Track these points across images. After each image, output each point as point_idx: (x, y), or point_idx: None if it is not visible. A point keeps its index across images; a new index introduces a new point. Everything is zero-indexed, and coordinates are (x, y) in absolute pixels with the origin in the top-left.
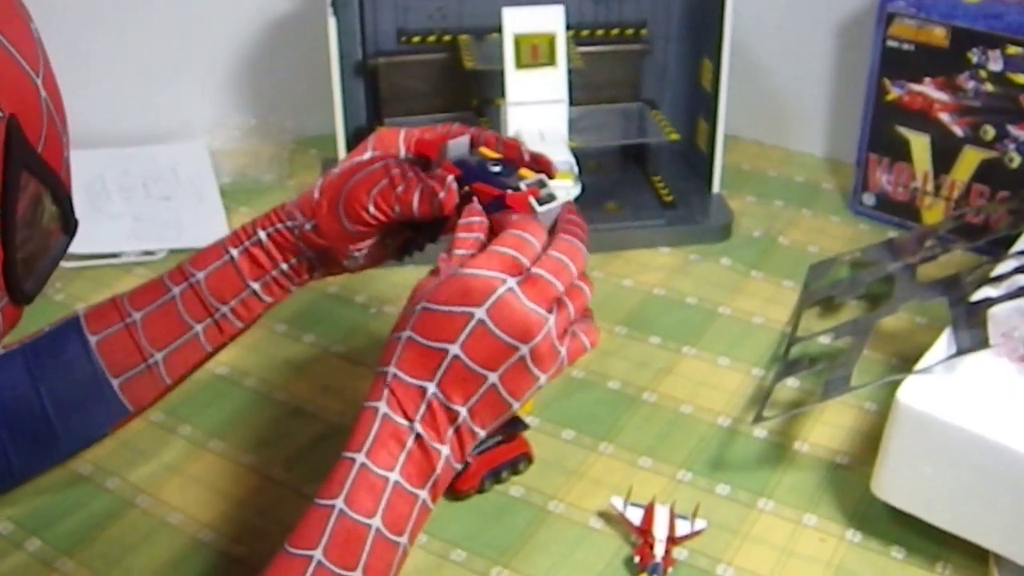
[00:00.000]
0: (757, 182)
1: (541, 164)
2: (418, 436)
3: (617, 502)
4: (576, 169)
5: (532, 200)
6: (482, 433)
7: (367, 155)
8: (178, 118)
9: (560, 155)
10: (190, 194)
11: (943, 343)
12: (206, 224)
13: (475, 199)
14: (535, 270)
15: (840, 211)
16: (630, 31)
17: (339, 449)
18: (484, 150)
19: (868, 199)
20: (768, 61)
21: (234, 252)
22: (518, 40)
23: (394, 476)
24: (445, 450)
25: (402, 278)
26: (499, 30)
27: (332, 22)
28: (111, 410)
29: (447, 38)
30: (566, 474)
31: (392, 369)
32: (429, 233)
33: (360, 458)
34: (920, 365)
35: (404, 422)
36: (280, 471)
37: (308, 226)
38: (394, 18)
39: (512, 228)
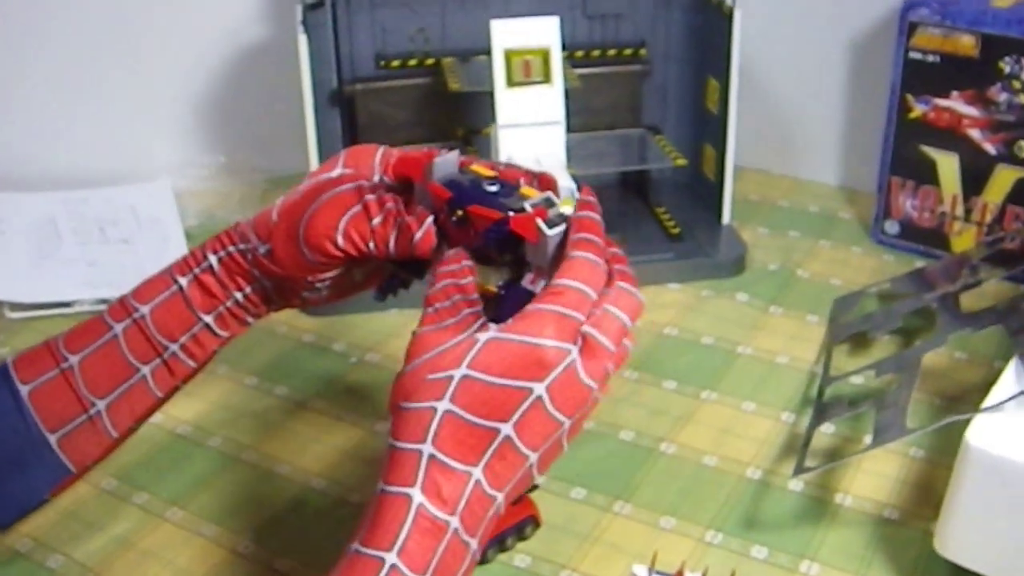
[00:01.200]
0: (768, 213)
1: (544, 183)
2: (455, 531)
3: (640, 571)
4: (578, 196)
5: (540, 223)
6: (501, 514)
7: (336, 172)
8: (139, 157)
9: (560, 181)
10: (152, 237)
11: (1011, 376)
12: None
13: (462, 230)
14: (593, 333)
15: (861, 241)
16: (628, 51)
17: (316, 517)
18: (477, 167)
19: (891, 227)
20: (774, 83)
21: (183, 281)
22: (509, 55)
23: None
24: (474, 544)
25: (384, 324)
26: (486, 52)
27: (303, 40)
28: (50, 471)
29: (429, 62)
30: (578, 539)
31: (428, 448)
32: (416, 269)
33: (391, 558)
34: (988, 402)
35: (444, 516)
36: (249, 543)
37: (262, 250)
38: (372, 41)
39: (568, 276)
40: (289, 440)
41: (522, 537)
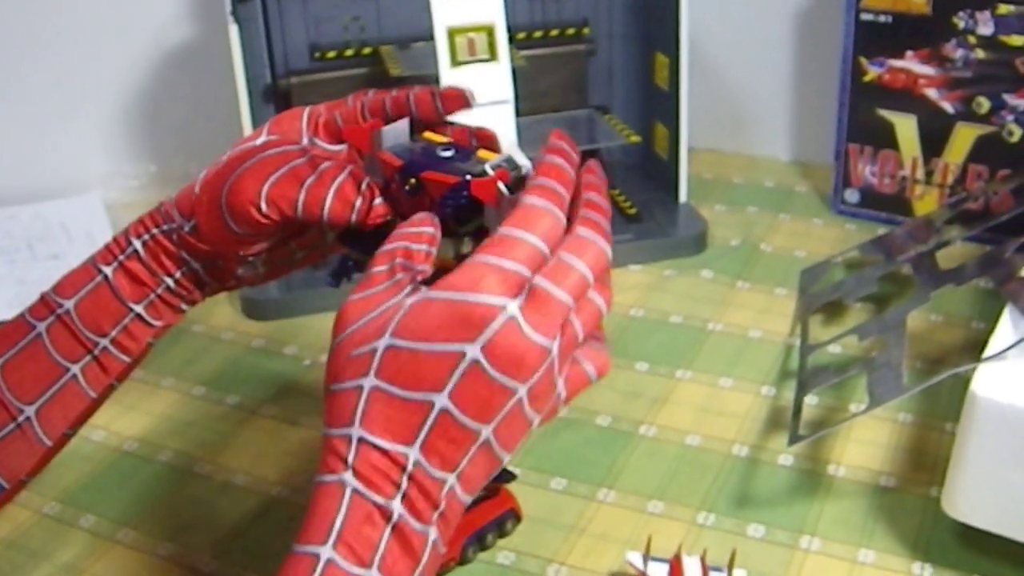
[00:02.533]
0: (723, 190)
1: (482, 139)
2: (401, 518)
3: (635, 558)
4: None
5: (501, 186)
6: (468, 501)
7: (260, 140)
8: (66, 170)
9: (518, 160)
10: (84, 252)
11: (1007, 325)
12: None
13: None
14: (540, 283)
15: (821, 212)
16: (571, 31)
17: (279, 527)
18: (428, 135)
19: (851, 196)
20: (721, 59)
21: (107, 270)
22: (452, 33)
23: (371, 574)
24: (432, 533)
25: None
26: (424, 38)
27: (234, 32)
28: None
29: (367, 51)
30: (563, 531)
31: (357, 431)
32: (368, 247)
33: (326, 552)
34: (989, 352)
35: (380, 500)
36: (209, 560)
37: (187, 227)
38: (305, 32)
39: (511, 223)
40: (244, 449)
41: (503, 533)
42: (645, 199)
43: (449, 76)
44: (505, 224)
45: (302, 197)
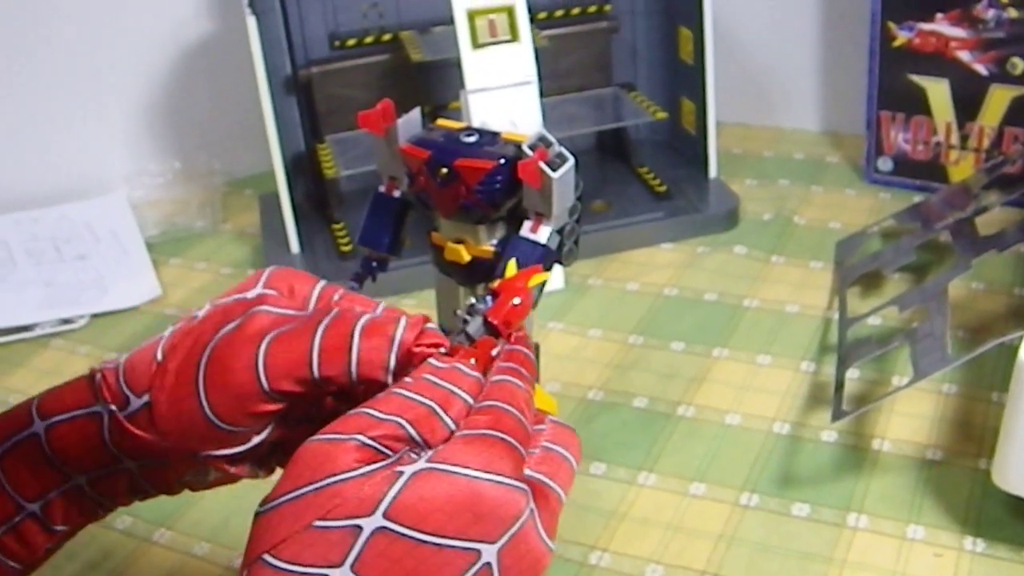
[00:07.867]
0: (753, 164)
1: None
2: None
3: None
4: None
5: (544, 166)
6: None
7: (252, 293)
8: (90, 171)
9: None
10: (111, 251)
11: None
12: (132, 281)
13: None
14: (541, 478)
15: (854, 182)
16: (592, 8)
17: None
18: (443, 122)
19: (884, 164)
20: (745, 31)
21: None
22: (472, 15)
23: None
24: None
25: None
26: (444, 22)
27: (252, 23)
28: None
29: (386, 37)
30: (604, 516)
31: None
32: (393, 248)
33: None
34: None
35: None
36: None
37: (136, 404)
38: (324, 21)
39: (500, 398)
40: None
41: None
42: (675, 176)
43: (471, 58)
44: (491, 398)
45: (316, 347)
